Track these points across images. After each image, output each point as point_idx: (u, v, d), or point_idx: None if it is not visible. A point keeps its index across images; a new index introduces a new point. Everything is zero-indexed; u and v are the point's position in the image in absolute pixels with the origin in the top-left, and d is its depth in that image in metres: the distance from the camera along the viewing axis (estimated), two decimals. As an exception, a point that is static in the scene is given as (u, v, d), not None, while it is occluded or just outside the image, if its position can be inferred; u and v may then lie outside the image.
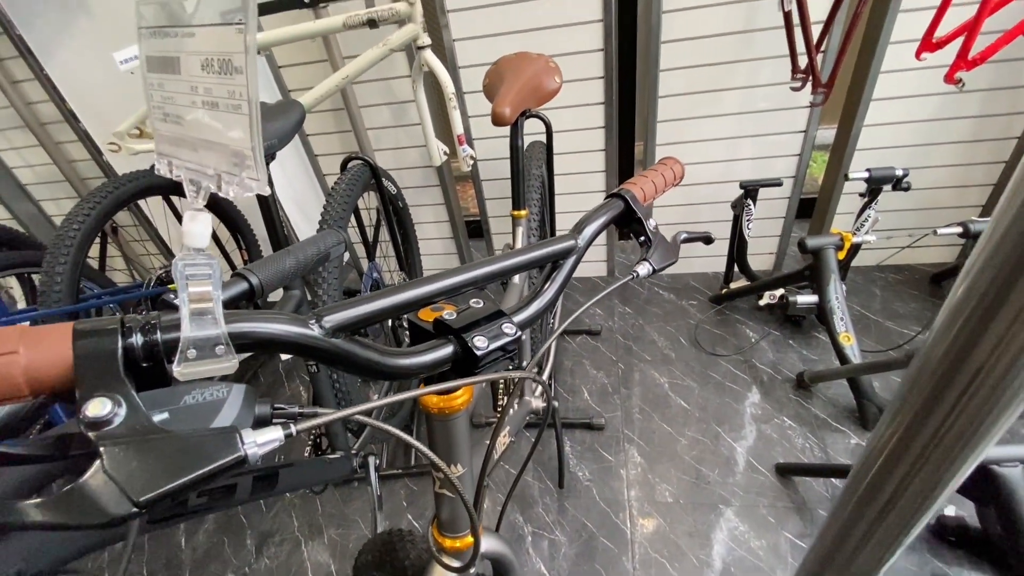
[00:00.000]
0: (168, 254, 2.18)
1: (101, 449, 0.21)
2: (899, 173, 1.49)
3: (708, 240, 0.58)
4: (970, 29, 1.20)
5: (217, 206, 1.71)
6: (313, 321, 0.32)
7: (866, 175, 1.49)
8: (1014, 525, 0.88)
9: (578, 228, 0.48)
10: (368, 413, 0.32)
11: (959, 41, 1.24)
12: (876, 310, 1.78)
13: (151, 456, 0.22)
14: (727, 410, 1.56)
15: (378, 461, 1.24)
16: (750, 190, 1.63)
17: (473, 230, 2.25)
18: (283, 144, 0.87)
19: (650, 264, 0.50)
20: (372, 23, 1.42)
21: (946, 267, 1.84)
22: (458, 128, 1.55)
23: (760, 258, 2.00)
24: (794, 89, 1.47)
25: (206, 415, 0.25)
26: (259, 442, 0.25)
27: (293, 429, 0.27)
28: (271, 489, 0.85)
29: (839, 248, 1.45)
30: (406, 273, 1.62)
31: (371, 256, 1.53)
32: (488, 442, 0.47)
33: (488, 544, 0.56)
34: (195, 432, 0.24)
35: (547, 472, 1.47)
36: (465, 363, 0.39)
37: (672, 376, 1.69)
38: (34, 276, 1.74)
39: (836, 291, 1.44)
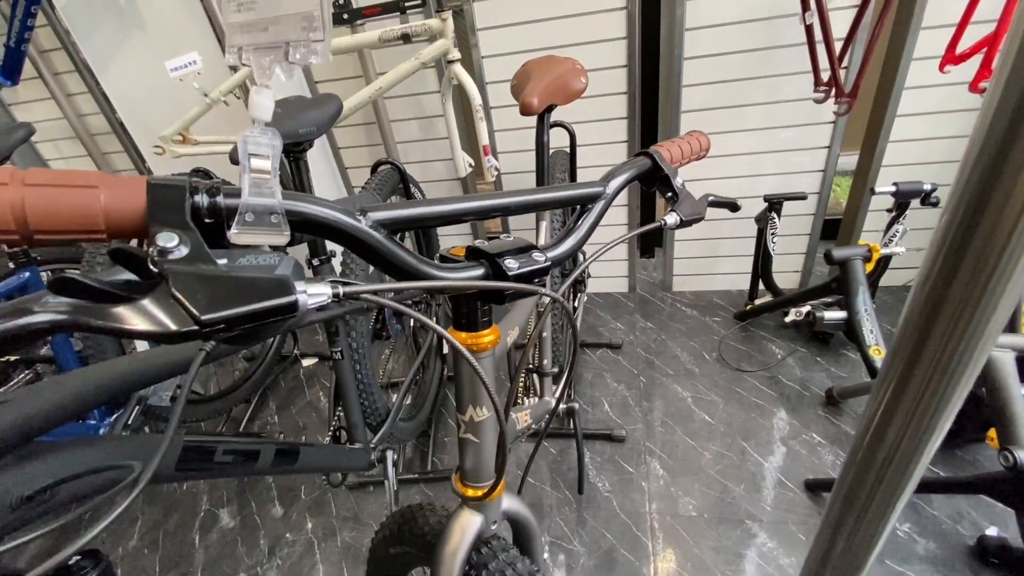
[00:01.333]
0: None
1: (167, 271, 0.23)
2: (927, 187, 1.47)
3: (735, 207, 0.59)
4: (992, 41, 1.21)
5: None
6: (359, 214, 0.33)
7: (893, 189, 1.48)
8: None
9: (606, 178, 0.49)
10: (413, 305, 0.33)
11: (982, 54, 1.25)
12: (907, 329, 1.73)
13: (213, 286, 0.23)
14: (753, 425, 1.51)
15: (395, 457, 1.23)
16: (774, 203, 1.63)
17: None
18: (321, 132, 0.91)
19: (678, 215, 0.51)
20: (406, 38, 1.50)
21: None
22: (484, 139, 1.61)
23: (785, 276, 1.98)
24: (817, 101, 1.49)
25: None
26: (310, 292, 0.26)
27: (340, 290, 0.28)
28: (292, 464, 0.85)
29: (867, 260, 1.43)
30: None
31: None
32: (510, 384, 0.47)
33: (509, 503, 0.55)
34: (253, 275, 0.25)
35: (566, 483, 1.44)
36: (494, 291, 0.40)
37: (696, 391, 1.65)
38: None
39: (864, 303, 1.41)
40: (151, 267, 0.23)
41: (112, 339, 1.33)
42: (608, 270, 2.12)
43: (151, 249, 0.23)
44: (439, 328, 0.37)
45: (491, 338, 0.47)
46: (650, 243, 2.31)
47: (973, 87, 1.25)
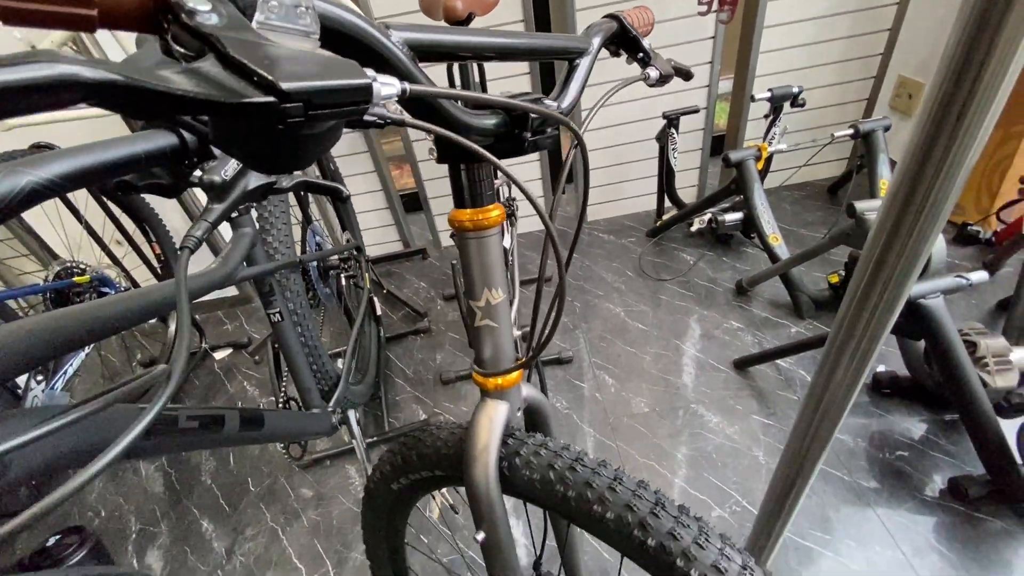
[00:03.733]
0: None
1: (217, 35, 0.18)
2: (795, 90, 1.66)
3: (688, 75, 0.61)
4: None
5: (123, 198, 1.53)
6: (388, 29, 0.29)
7: (769, 94, 1.65)
8: (940, 345, 1.02)
9: (587, 34, 0.48)
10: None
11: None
12: (789, 221, 1.98)
13: (276, 55, 0.19)
14: (680, 325, 1.65)
15: (359, 416, 1.17)
16: (672, 119, 1.73)
17: (411, 203, 2.20)
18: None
19: (657, 70, 0.52)
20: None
21: (838, 178, 2.08)
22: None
23: (685, 192, 2.14)
24: (702, 14, 1.59)
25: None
26: (381, 80, 0.23)
27: (408, 87, 0.25)
28: (259, 429, 0.78)
29: (758, 159, 1.59)
30: (350, 233, 1.54)
31: (307, 219, 1.44)
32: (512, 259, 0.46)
33: (527, 390, 0.55)
34: (319, 52, 0.21)
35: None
36: (512, 137, 0.38)
37: (626, 305, 1.76)
38: None
39: (760, 197, 1.58)
40: (189, 27, 0.18)
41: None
42: (526, 209, 2.14)
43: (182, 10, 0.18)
44: (515, 178, 0.34)
45: (497, 213, 0.45)
46: (558, 179, 2.37)
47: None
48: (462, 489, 0.54)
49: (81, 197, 1.51)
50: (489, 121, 0.37)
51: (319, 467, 1.44)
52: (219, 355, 1.89)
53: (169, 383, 0.24)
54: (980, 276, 1.01)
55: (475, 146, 0.30)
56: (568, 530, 0.71)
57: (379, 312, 1.74)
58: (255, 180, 0.37)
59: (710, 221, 1.88)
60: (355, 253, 1.41)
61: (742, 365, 1.47)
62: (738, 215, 1.80)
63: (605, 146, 1.99)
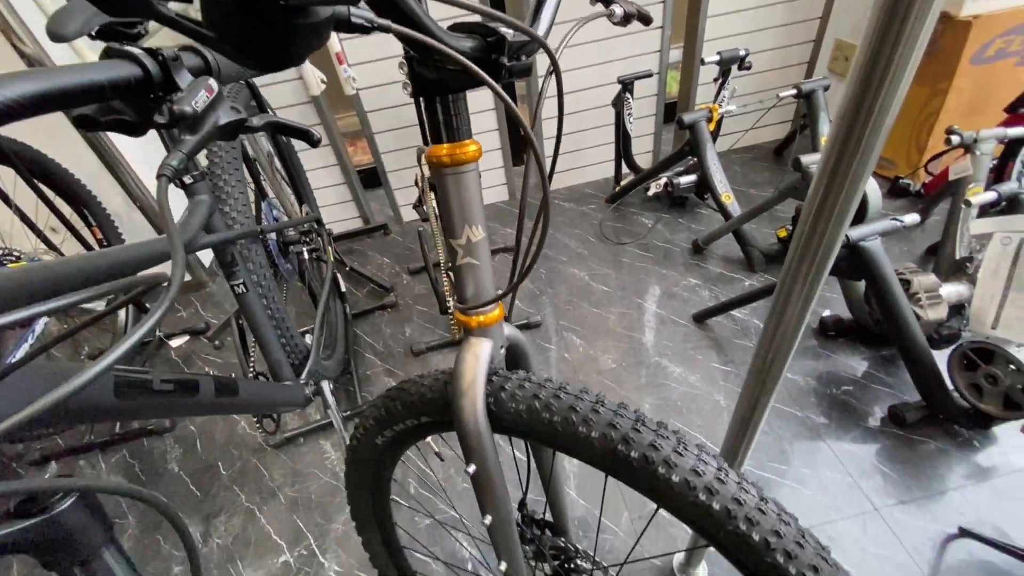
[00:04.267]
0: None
1: None
2: (742, 53, 1.71)
3: (648, 19, 0.63)
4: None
5: (55, 179, 1.43)
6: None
7: (718, 57, 1.70)
8: (879, 283, 1.11)
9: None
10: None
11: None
12: (739, 182, 2.06)
13: None
14: (642, 285, 1.71)
15: (332, 387, 1.17)
16: (627, 84, 1.76)
17: (369, 179, 2.15)
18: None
19: (622, 6, 0.53)
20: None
21: (782, 140, 2.18)
22: (335, 46, 1.46)
23: (641, 159, 2.19)
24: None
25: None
26: None
27: None
28: (233, 396, 0.77)
29: (709, 120, 1.64)
30: (308, 206, 1.50)
31: (262, 193, 1.39)
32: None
33: (508, 329, 0.57)
34: None
35: (497, 375, 1.50)
36: (490, 62, 0.39)
37: (589, 269, 1.81)
38: None
39: (713, 158, 1.64)
40: None
41: None
42: (487, 180, 2.14)
43: None
44: (505, 96, 0.35)
45: (475, 148, 0.46)
46: (519, 150, 2.36)
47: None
48: (447, 437, 0.55)
49: (9, 180, 1.40)
50: (466, 44, 0.37)
51: (292, 445, 1.43)
52: (175, 343, 1.81)
53: (170, 288, 0.24)
54: (912, 218, 1.09)
55: (468, 62, 0.31)
56: (552, 468, 0.74)
57: (343, 288, 1.72)
58: (225, 116, 0.36)
59: (666, 185, 1.93)
60: (315, 226, 1.37)
61: (701, 318, 1.54)
62: (692, 177, 1.86)
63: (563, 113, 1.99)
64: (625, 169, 2.04)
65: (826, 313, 1.46)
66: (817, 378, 1.35)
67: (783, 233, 1.65)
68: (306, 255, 1.34)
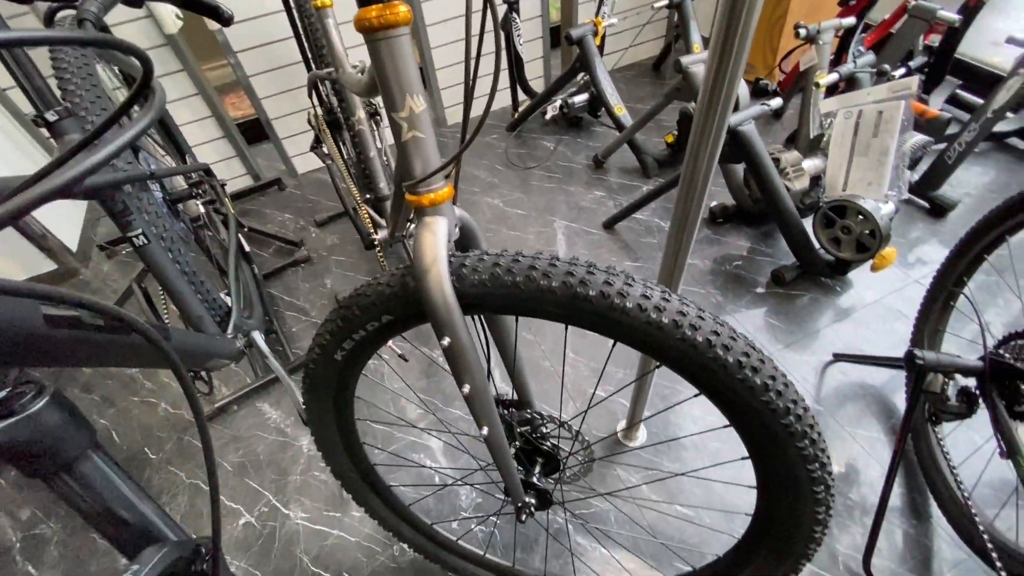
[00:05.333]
0: None
1: None
2: (615, -34, 1.77)
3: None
4: None
5: None
6: None
7: (594, -29, 1.74)
8: (755, 162, 1.27)
9: None
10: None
11: None
12: (625, 99, 2.16)
13: None
14: (552, 204, 1.79)
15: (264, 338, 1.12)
16: (512, 3, 1.75)
17: (253, 133, 1.97)
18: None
19: None
20: None
21: (658, 55, 2.32)
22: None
23: (533, 84, 2.22)
24: None
25: None
26: None
27: None
28: (166, 342, 0.72)
29: (595, 34, 1.70)
30: (190, 157, 1.35)
31: (134, 148, 1.23)
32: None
33: (459, 211, 0.59)
34: None
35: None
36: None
37: (502, 196, 1.84)
38: None
39: (602, 71, 1.71)
40: None
41: None
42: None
43: None
44: None
45: (405, 10, 0.45)
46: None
47: None
48: (412, 336, 0.57)
49: None
50: None
51: (227, 415, 1.36)
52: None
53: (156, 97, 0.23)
54: (776, 101, 1.25)
55: None
56: (516, 350, 0.79)
57: (247, 249, 1.60)
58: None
59: (561, 106, 1.99)
60: (204, 176, 1.25)
61: (610, 224, 1.65)
62: (585, 96, 1.93)
63: (449, 41, 1.95)
64: (522, 96, 2.06)
65: (713, 204, 1.64)
66: (713, 260, 1.53)
67: (670, 139, 1.80)
68: (202, 209, 1.23)
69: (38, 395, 0.33)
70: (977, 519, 0.82)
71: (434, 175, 0.51)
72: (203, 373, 1.10)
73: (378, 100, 1.51)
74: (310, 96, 1.36)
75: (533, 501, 0.76)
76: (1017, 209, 0.90)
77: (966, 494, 0.86)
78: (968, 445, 1.05)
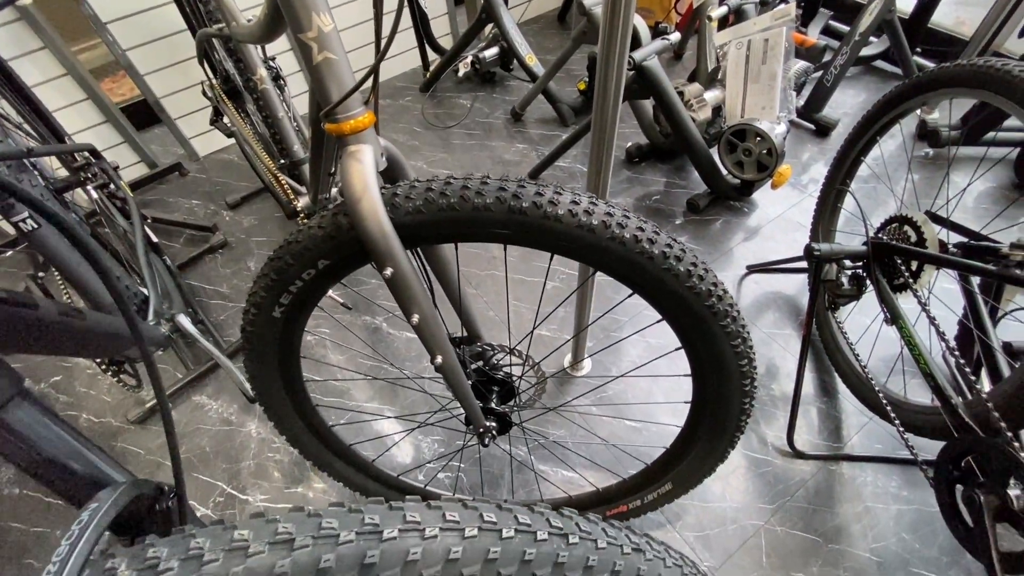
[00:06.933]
0: None
1: None
2: (508, -87, 1.74)
3: None
4: None
5: None
6: None
7: (488, -81, 1.71)
8: (662, 95, 1.33)
9: None
10: None
11: None
12: (535, 50, 2.18)
13: None
14: (477, 160, 1.79)
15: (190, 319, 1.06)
16: (407, -45, 1.69)
17: (141, 117, 1.79)
18: None
19: None
20: None
21: (561, 6, 2.34)
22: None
23: (441, 42, 2.17)
24: None
25: None
26: None
27: None
28: (81, 320, 0.67)
29: (498, -15, 1.69)
30: (45, 135, 1.21)
31: None
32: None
33: (383, 140, 0.59)
34: None
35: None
36: None
37: (425, 158, 1.81)
38: None
39: (510, 22, 1.71)
40: None
41: None
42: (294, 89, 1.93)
43: None
44: None
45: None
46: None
47: None
48: (350, 283, 0.57)
49: None
50: None
51: (159, 416, 1.27)
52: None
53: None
54: (675, 36, 1.32)
55: None
56: (460, 284, 0.80)
57: (155, 240, 1.48)
58: None
59: (473, 63, 1.97)
60: (90, 157, 1.13)
61: (535, 175, 1.68)
62: (495, 49, 1.92)
63: (345, 1, 1.85)
64: (432, 55, 2.02)
65: (628, 144, 1.71)
66: (635, 198, 1.61)
67: (582, 85, 1.84)
68: (94, 194, 1.12)
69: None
70: (873, 382, 0.95)
71: (351, 95, 0.50)
72: (128, 366, 1.03)
73: (279, 65, 1.43)
74: (201, 63, 1.26)
75: (495, 425, 0.79)
76: (883, 112, 1.02)
77: (863, 365, 0.99)
78: (861, 328, 1.20)
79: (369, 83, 0.52)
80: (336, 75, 0.50)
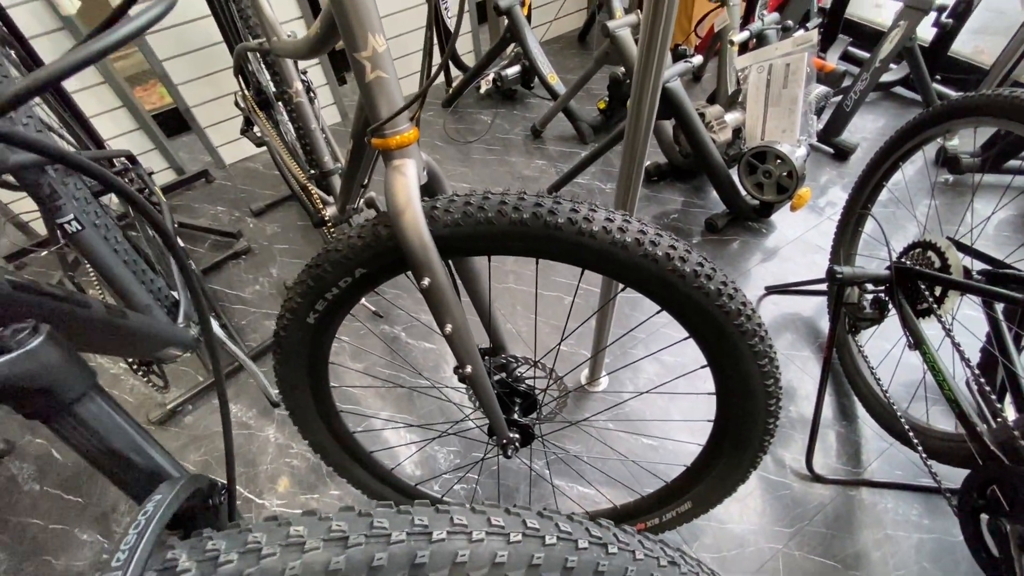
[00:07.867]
0: None
1: None
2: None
3: None
4: None
5: None
6: None
7: (514, -58, 1.76)
8: (684, 116, 1.35)
9: None
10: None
11: None
12: (556, 70, 2.23)
13: None
14: (496, 175, 1.81)
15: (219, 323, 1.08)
16: (436, -24, 1.74)
17: (172, 124, 1.84)
18: None
19: None
20: None
21: (582, 26, 2.38)
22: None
23: (464, 60, 2.22)
24: None
25: None
26: None
27: None
28: (124, 319, 0.69)
29: (522, 4, 1.73)
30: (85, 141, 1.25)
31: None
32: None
33: (424, 155, 0.61)
34: None
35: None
36: None
37: (445, 171, 1.84)
38: None
39: (533, 41, 1.75)
40: None
41: None
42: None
43: None
44: None
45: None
46: (342, 70, 2.21)
47: None
48: (384, 292, 0.59)
49: None
50: None
51: (180, 416, 1.30)
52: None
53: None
54: (697, 58, 1.34)
55: None
56: (490, 299, 0.82)
57: (181, 244, 1.51)
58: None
59: (495, 80, 2.01)
60: (127, 163, 1.17)
61: (554, 190, 1.70)
62: (516, 68, 1.96)
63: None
64: (455, 72, 2.06)
65: (647, 163, 1.73)
66: (652, 216, 1.63)
67: (602, 105, 1.87)
68: (131, 199, 1.15)
69: (34, 333, 0.32)
70: (895, 408, 0.95)
71: (399, 113, 0.53)
72: (156, 367, 1.05)
73: (310, 78, 1.47)
74: (237, 76, 1.30)
75: (517, 436, 0.80)
76: (906, 139, 1.03)
77: (884, 389, 0.99)
78: (882, 352, 1.20)
79: (417, 103, 0.54)
80: (387, 92, 0.52)
